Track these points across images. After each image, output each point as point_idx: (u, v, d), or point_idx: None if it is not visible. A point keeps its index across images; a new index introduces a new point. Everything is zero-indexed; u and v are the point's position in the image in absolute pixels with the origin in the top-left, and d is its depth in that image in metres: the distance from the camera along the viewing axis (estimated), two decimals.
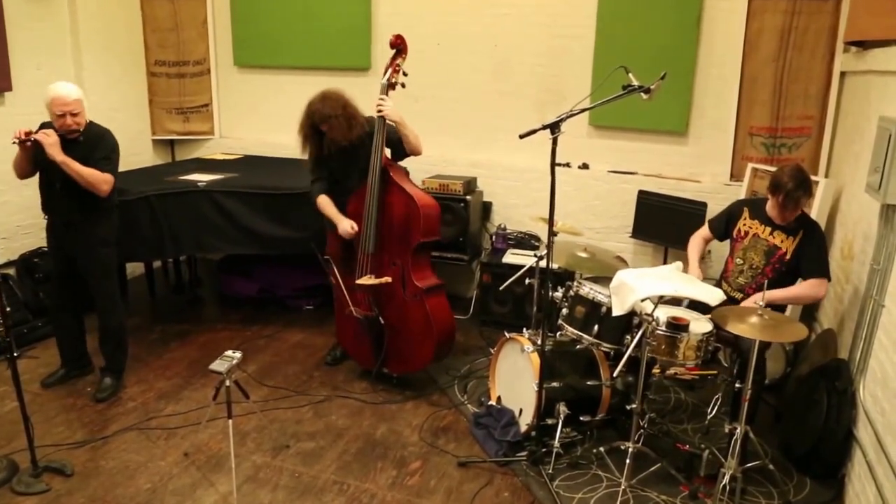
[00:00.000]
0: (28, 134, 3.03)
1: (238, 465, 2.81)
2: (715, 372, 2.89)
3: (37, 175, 3.24)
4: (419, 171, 4.34)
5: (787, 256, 2.94)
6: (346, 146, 3.38)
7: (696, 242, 3.28)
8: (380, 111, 3.31)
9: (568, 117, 2.64)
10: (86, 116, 3.17)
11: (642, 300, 2.68)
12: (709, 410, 3.12)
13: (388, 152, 3.47)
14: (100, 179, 3.16)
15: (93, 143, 3.17)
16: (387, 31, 4.66)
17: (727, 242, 3.21)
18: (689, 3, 3.98)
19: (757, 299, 2.76)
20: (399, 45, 3.38)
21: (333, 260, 3.51)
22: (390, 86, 3.36)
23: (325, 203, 3.48)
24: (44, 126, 3.17)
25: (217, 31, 5.14)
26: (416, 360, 3.48)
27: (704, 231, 3.30)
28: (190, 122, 5.30)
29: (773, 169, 3.80)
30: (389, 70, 3.37)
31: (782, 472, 2.82)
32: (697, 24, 4.00)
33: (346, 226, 3.37)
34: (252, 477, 2.81)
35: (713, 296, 2.66)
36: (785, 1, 3.77)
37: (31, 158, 3.14)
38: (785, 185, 2.80)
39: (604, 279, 3.13)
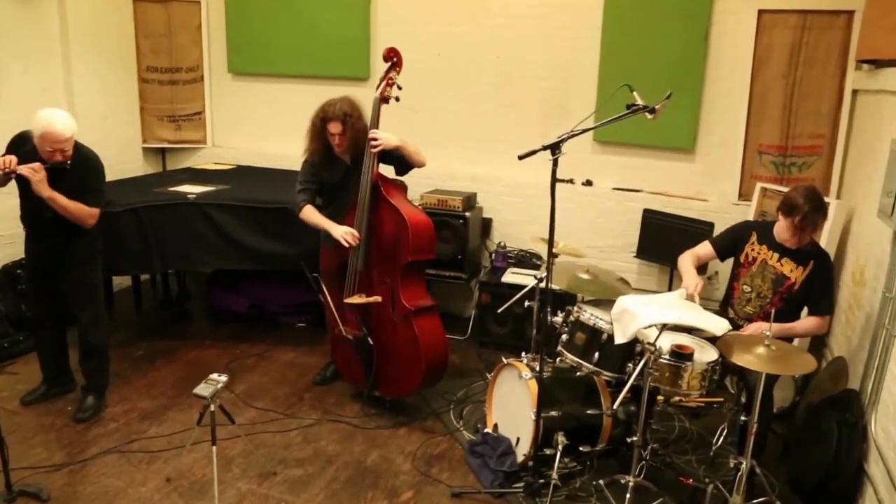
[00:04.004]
0: (12, 164, 2.86)
1: (222, 493, 2.70)
2: (721, 399, 2.78)
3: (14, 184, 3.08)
4: (418, 185, 4.23)
5: (796, 287, 2.85)
6: (343, 161, 3.31)
7: (688, 258, 3.07)
8: (374, 147, 3.18)
9: (569, 137, 2.55)
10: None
11: (645, 328, 2.57)
12: (714, 441, 3.01)
13: (390, 169, 3.37)
14: (86, 214, 3.08)
15: (81, 170, 3.05)
16: (386, 40, 4.57)
17: (728, 265, 3.09)
18: (697, 16, 3.88)
19: (761, 328, 2.66)
20: (393, 58, 3.26)
21: (327, 277, 3.40)
22: (383, 100, 3.26)
23: (311, 212, 3.35)
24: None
25: (211, 37, 5.04)
26: (404, 384, 3.35)
27: (703, 249, 3.09)
28: (182, 130, 5.19)
29: (783, 189, 3.71)
30: (383, 83, 3.25)
31: None
32: (706, 39, 3.90)
33: (340, 231, 3.23)
34: None
35: (719, 325, 2.56)
36: (795, 16, 3.69)
37: (5, 178, 3.00)
38: (801, 207, 2.69)
39: (606, 302, 3.02)
